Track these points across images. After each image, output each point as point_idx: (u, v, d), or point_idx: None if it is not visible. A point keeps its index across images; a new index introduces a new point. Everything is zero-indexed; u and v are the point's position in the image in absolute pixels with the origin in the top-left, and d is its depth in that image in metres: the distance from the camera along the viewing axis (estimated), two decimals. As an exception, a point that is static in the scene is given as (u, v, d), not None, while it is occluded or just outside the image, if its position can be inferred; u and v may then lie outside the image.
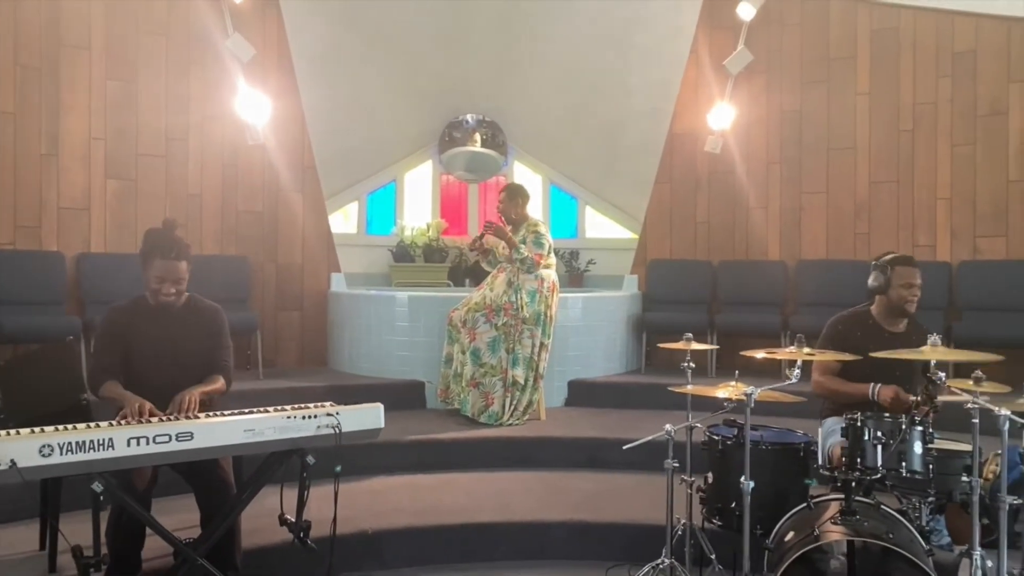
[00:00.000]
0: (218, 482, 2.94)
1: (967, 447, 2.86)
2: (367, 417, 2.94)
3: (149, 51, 5.83)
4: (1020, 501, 2.75)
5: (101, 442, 2.45)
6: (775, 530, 2.90)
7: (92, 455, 2.43)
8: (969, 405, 2.60)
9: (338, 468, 2.80)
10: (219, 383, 3.10)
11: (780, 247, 6.60)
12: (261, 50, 6.12)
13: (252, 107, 6.01)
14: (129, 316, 3.10)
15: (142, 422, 2.65)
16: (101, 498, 2.46)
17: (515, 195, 5.33)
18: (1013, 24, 5.69)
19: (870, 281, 3.47)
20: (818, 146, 6.45)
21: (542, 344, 5.19)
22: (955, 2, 5.89)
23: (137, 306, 3.12)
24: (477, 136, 7.40)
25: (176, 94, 5.94)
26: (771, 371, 5.41)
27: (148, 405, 2.76)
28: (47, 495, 3.22)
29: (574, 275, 7.30)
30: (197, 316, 3.19)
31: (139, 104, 5.81)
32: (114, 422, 2.66)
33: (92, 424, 2.60)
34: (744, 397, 2.75)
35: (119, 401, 2.86)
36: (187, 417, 2.76)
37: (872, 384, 3.25)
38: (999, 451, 3.12)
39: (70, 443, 2.40)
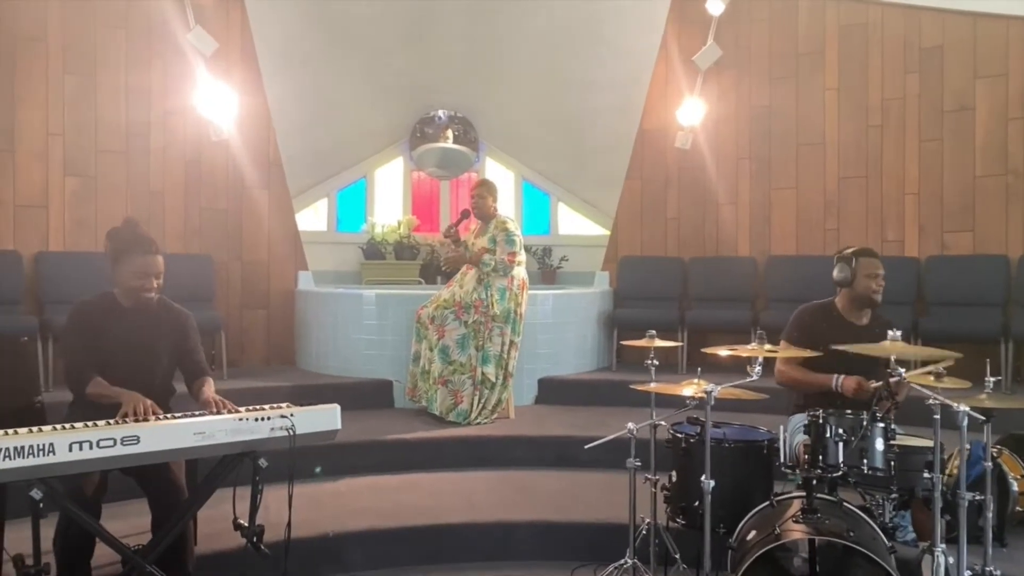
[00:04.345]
0: (169, 486, 2.86)
1: (929, 443, 2.85)
2: (323, 418, 2.88)
3: (108, 44, 5.69)
4: (981, 497, 2.74)
5: (42, 447, 2.35)
6: (738, 529, 2.87)
7: (32, 461, 2.33)
8: (930, 402, 2.59)
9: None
10: (212, 384, 3.10)
11: (750, 243, 6.60)
12: (224, 44, 6.00)
13: (216, 102, 5.88)
14: (100, 312, 3.03)
15: (148, 420, 2.60)
16: (41, 505, 2.37)
17: (490, 191, 5.31)
18: (979, 19, 5.72)
19: (835, 274, 3.47)
20: (787, 141, 6.45)
21: (512, 342, 5.14)
22: (922, -3, 5.92)
23: (107, 302, 3.06)
24: (449, 132, 7.33)
25: (136, 89, 5.80)
26: (739, 367, 5.36)
27: (150, 403, 2.69)
28: (-11, 502, 3.11)
29: (547, 272, 7.25)
30: (169, 318, 3.15)
31: (98, 99, 5.66)
32: (113, 420, 2.59)
33: (34, 429, 2.51)
34: (705, 395, 2.72)
35: (113, 398, 2.78)
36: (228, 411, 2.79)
37: (835, 375, 3.23)
38: (965, 446, 3.13)
39: (8, 448, 2.30)
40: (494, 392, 5.11)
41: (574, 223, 7.60)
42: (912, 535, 3.31)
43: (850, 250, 3.49)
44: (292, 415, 2.78)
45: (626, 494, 3.33)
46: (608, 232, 7.15)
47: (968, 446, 3.13)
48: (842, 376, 3.22)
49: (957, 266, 5.76)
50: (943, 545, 2.64)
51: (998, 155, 5.69)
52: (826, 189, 6.32)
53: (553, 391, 5.73)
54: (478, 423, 4.99)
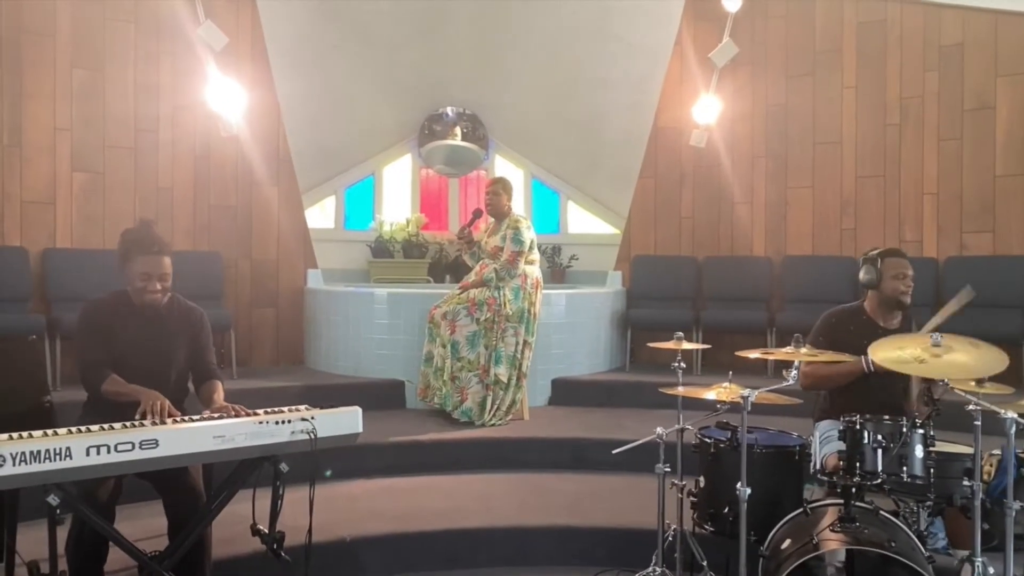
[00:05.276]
0: (186, 490, 2.79)
1: (966, 449, 2.77)
2: (344, 421, 2.80)
3: (116, 39, 5.60)
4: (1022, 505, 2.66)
5: (58, 451, 2.28)
6: (770, 536, 2.79)
7: (48, 465, 2.26)
8: (971, 407, 2.51)
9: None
10: (221, 390, 3.01)
11: (765, 242, 6.52)
12: (234, 39, 5.91)
13: (225, 98, 5.80)
14: (111, 310, 2.96)
15: (166, 422, 2.54)
16: (58, 511, 2.30)
17: (505, 189, 5.25)
18: (1000, 17, 5.63)
19: (861, 276, 3.38)
20: (804, 140, 6.37)
21: (525, 342, 5.07)
22: (942, -5, 5.83)
23: (118, 301, 2.98)
24: (457, 129, 7.25)
25: (145, 84, 5.71)
26: (756, 369, 5.27)
27: (167, 403, 2.63)
28: (2, 507, 3.03)
29: (556, 271, 7.18)
30: (181, 316, 3.08)
31: (106, 94, 5.58)
32: (130, 423, 2.52)
33: (49, 432, 2.43)
34: (740, 400, 2.64)
35: (131, 395, 2.72)
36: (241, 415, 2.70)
37: (863, 356, 3.05)
38: (994, 451, 3.05)
39: (24, 452, 2.23)
40: (508, 393, 5.03)
41: (584, 222, 7.52)
42: (942, 542, 3.23)
43: (876, 251, 3.40)
44: (313, 418, 2.70)
45: (645, 498, 3.27)
46: (619, 231, 7.07)
47: (998, 451, 3.07)
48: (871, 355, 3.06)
49: (977, 267, 5.67)
50: (983, 555, 2.57)
51: (1019, 154, 5.61)
52: (843, 188, 6.24)
53: (567, 392, 5.65)
54: (492, 424, 4.92)
